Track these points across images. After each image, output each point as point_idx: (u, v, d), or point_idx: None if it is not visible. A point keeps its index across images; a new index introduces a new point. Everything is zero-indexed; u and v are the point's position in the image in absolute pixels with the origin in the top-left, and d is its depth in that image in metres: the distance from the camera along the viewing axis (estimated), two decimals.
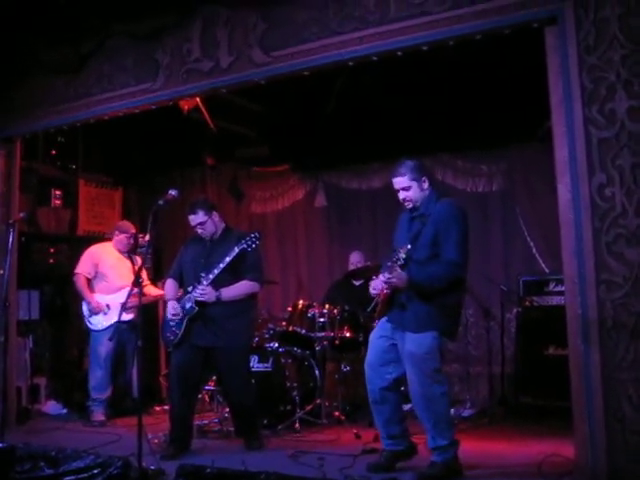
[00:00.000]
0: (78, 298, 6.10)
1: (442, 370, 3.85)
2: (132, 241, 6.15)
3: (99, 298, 5.97)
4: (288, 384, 5.43)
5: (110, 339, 5.39)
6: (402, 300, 3.85)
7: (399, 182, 3.92)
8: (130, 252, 6.18)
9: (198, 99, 5.91)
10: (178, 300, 4.65)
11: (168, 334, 4.66)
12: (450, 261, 3.76)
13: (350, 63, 4.36)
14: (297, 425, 5.26)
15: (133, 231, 6.16)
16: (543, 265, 6.34)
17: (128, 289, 5.87)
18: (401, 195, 3.95)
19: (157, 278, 6.81)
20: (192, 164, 7.99)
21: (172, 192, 4.30)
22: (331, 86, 5.92)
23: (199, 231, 4.70)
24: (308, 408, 5.44)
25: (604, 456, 3.42)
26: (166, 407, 6.14)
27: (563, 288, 3.81)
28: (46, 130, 5.99)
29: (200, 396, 5.81)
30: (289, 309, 6.06)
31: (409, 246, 3.71)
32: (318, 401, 5.53)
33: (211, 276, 4.49)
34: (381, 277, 3.80)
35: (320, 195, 7.56)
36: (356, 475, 3.84)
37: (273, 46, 4.51)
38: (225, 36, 4.70)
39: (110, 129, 6.41)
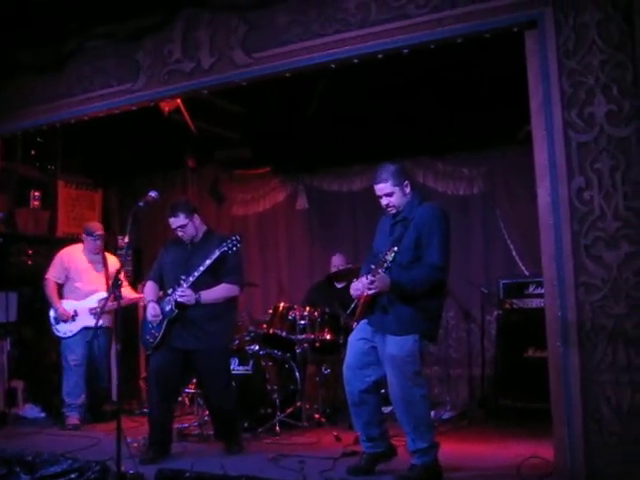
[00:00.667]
0: (47, 303, 5.98)
1: (422, 373, 3.85)
2: (100, 242, 6.00)
3: (68, 304, 5.86)
4: (268, 387, 5.41)
5: (87, 342, 5.34)
6: (384, 303, 3.85)
7: (382, 188, 3.91)
8: (101, 253, 6.02)
9: (179, 100, 5.89)
10: (158, 302, 4.61)
11: (147, 337, 4.61)
12: (432, 265, 3.76)
13: (331, 65, 4.36)
14: (277, 428, 5.24)
15: (100, 232, 6.00)
16: (523, 268, 6.38)
17: (98, 294, 5.86)
18: (384, 201, 3.94)
19: (137, 280, 6.77)
20: (173, 166, 7.95)
21: (152, 194, 4.26)
22: (313, 89, 5.92)
23: (179, 234, 4.65)
24: (288, 411, 5.42)
25: (583, 458, 3.44)
26: (145, 410, 6.13)
27: (543, 291, 3.83)
28: (25, 130, 5.92)
29: (180, 399, 5.81)
30: (270, 311, 6.03)
31: (396, 249, 3.70)
32: (298, 404, 5.51)
33: (191, 278, 4.45)
34: (363, 279, 3.80)
35: (301, 197, 7.55)
36: (336, 478, 3.84)
37: (255, 47, 4.51)
38: (207, 37, 4.69)
39: (90, 130, 6.35)
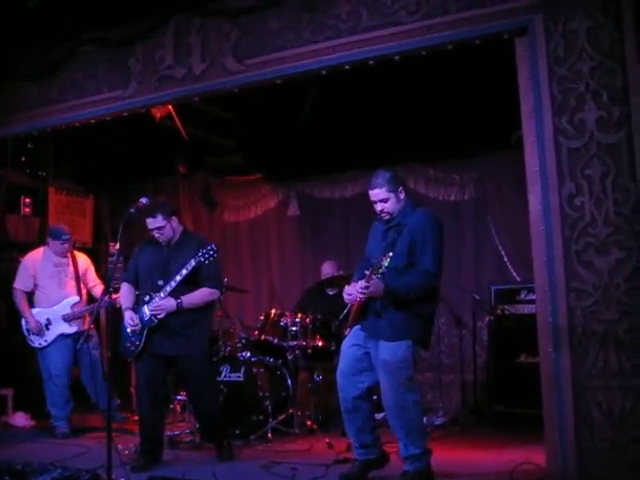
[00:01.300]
0: (19, 314, 5.82)
1: (415, 379, 3.85)
2: (68, 245, 5.83)
3: (39, 312, 5.71)
4: (260, 394, 5.39)
5: (77, 349, 5.27)
6: (377, 308, 3.85)
7: (376, 194, 3.91)
8: (69, 255, 5.87)
9: (170, 107, 5.88)
10: (135, 309, 4.53)
11: (128, 344, 4.54)
12: (426, 271, 3.77)
13: (323, 72, 4.37)
14: (269, 435, 5.23)
15: (67, 236, 5.83)
16: (514, 273, 6.40)
17: (69, 299, 5.70)
18: (378, 207, 3.94)
19: None
20: (164, 172, 7.93)
21: (143, 200, 4.25)
22: (304, 95, 5.92)
23: (156, 235, 4.55)
24: (280, 418, 5.41)
25: (575, 463, 3.45)
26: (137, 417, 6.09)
27: (534, 296, 3.84)
28: (16, 136, 5.90)
29: (172, 406, 5.77)
30: (261, 318, 6.02)
31: (391, 254, 3.69)
32: (290, 411, 5.50)
33: (168, 288, 4.38)
34: (357, 285, 3.80)
35: (293, 204, 7.55)
36: None
37: (246, 54, 4.51)
38: (198, 43, 4.69)
39: (82, 136, 6.34)
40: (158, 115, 6.03)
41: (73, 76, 5.23)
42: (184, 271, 4.34)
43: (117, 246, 4.37)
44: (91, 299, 6.00)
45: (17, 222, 7.17)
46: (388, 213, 3.93)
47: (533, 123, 3.67)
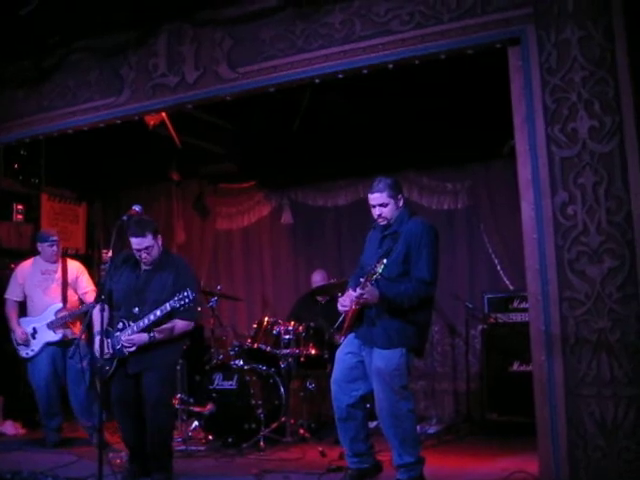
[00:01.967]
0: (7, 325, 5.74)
1: (409, 387, 3.84)
2: (56, 248, 5.72)
3: (26, 322, 5.64)
4: (253, 402, 5.37)
5: (69, 359, 5.21)
6: (371, 316, 3.85)
7: (377, 198, 3.92)
8: (58, 261, 5.76)
9: (164, 114, 5.88)
10: (107, 334, 4.29)
11: (100, 365, 4.22)
12: (421, 279, 3.77)
13: (316, 80, 4.37)
14: (262, 444, 5.20)
15: (55, 237, 5.73)
16: (507, 282, 6.41)
17: (54, 306, 5.59)
18: (377, 211, 3.95)
19: None
20: (158, 180, 7.93)
21: (136, 208, 4.23)
22: (298, 103, 5.94)
23: (143, 255, 4.26)
24: (273, 426, 5.39)
25: (567, 472, 3.44)
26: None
27: (527, 305, 3.85)
28: (8, 143, 5.88)
29: None
30: (254, 326, 6.01)
31: (385, 261, 3.69)
32: (283, 419, 5.48)
33: (141, 324, 4.16)
34: (352, 293, 3.79)
35: (286, 212, 7.55)
36: None
37: (239, 62, 4.51)
38: (191, 51, 4.69)
39: (74, 144, 6.33)
40: (151, 123, 6.02)
41: (65, 84, 5.21)
42: (158, 312, 4.12)
43: (110, 253, 4.31)
44: None
45: (9, 229, 7.14)
46: (385, 218, 3.94)
47: (526, 132, 3.68)
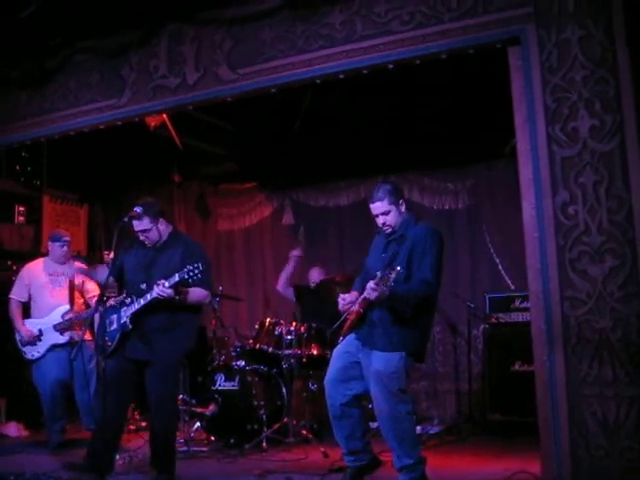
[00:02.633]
0: (12, 324, 5.71)
1: (407, 389, 3.83)
2: (67, 249, 5.74)
3: (32, 323, 5.62)
4: (255, 403, 5.38)
5: (70, 361, 5.20)
6: (373, 319, 3.84)
7: (378, 207, 3.92)
8: (67, 262, 5.77)
9: (165, 116, 5.88)
10: (114, 308, 4.29)
11: (101, 342, 4.30)
12: (424, 280, 3.75)
13: (317, 81, 4.37)
14: (264, 444, 5.21)
15: (67, 238, 5.76)
16: (509, 281, 6.41)
17: (60, 308, 5.57)
18: (380, 220, 3.95)
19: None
20: (159, 181, 7.93)
21: (137, 209, 4.24)
22: (299, 104, 5.94)
23: (141, 237, 4.33)
24: (275, 427, 5.39)
25: (570, 472, 3.43)
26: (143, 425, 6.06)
27: (528, 304, 3.84)
28: (9, 145, 5.88)
29: None
30: (256, 327, 6.02)
31: (399, 268, 3.64)
32: (285, 419, 5.48)
33: (149, 297, 4.11)
34: (354, 294, 3.76)
35: (287, 213, 7.56)
36: None
37: (240, 63, 4.51)
38: (192, 53, 4.69)
39: (76, 145, 6.33)
40: (152, 124, 6.03)
41: (66, 85, 5.22)
42: (166, 283, 4.04)
43: (111, 255, 4.30)
44: None
45: (11, 231, 7.15)
46: (390, 226, 3.93)
47: (527, 132, 3.67)
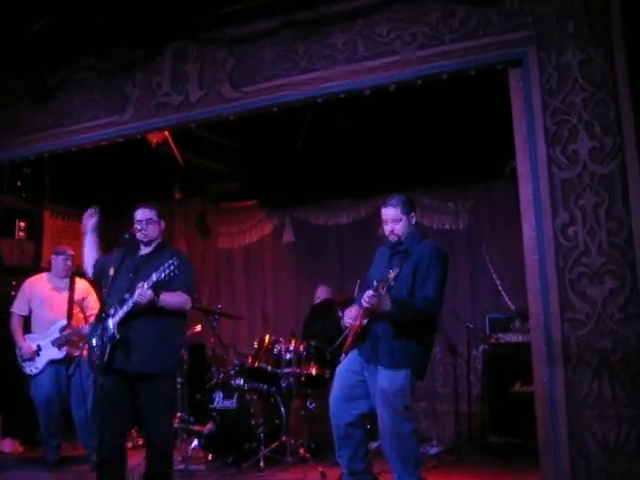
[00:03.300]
0: (9, 338, 5.68)
1: (412, 408, 3.82)
2: (70, 263, 5.75)
3: (31, 338, 5.60)
4: (253, 421, 5.35)
5: (68, 376, 5.18)
6: (377, 333, 3.82)
7: (390, 214, 3.93)
8: (69, 277, 5.76)
9: (167, 133, 5.91)
10: (98, 321, 4.20)
11: (94, 358, 4.17)
12: (427, 298, 3.76)
13: (319, 100, 4.40)
14: (262, 463, 5.17)
15: (70, 253, 5.76)
16: (509, 302, 6.39)
17: (59, 323, 5.55)
18: (389, 227, 3.95)
19: None
20: (160, 198, 7.88)
21: (138, 226, 4.25)
22: (301, 123, 5.97)
23: (139, 228, 4.28)
24: (273, 446, 5.36)
25: None
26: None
27: (528, 325, 3.84)
28: (13, 161, 5.89)
29: None
30: (255, 345, 6.00)
31: (398, 269, 3.68)
32: (283, 438, 5.45)
33: (130, 303, 4.04)
34: (357, 308, 3.74)
35: (288, 231, 7.57)
36: None
37: (243, 82, 4.54)
38: (195, 71, 4.73)
39: (78, 161, 6.35)
40: (154, 141, 6.05)
41: (70, 101, 5.25)
42: (145, 285, 4.00)
43: (112, 271, 4.29)
44: None
45: (11, 246, 7.15)
46: (397, 235, 3.94)
47: (527, 153, 3.70)
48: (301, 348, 5.75)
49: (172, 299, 4.12)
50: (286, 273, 7.61)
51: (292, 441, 5.50)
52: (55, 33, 4.91)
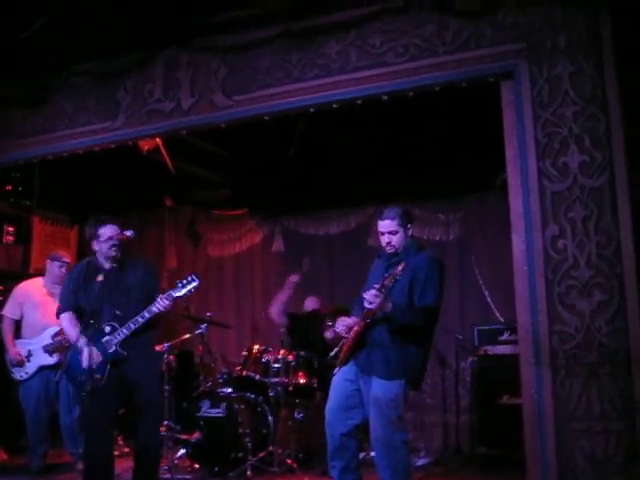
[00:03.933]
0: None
1: (404, 418, 3.81)
2: (65, 270, 5.61)
3: (22, 343, 5.54)
4: (240, 430, 5.31)
5: (56, 383, 5.13)
6: (373, 337, 3.80)
7: (387, 225, 3.93)
8: (61, 282, 5.53)
9: (158, 140, 5.90)
10: (90, 341, 4.09)
11: (84, 377, 4.03)
12: (424, 307, 3.75)
13: (311, 110, 4.41)
14: (248, 473, 5.14)
15: (67, 259, 5.72)
16: (497, 314, 6.39)
17: (51, 329, 5.45)
18: (385, 239, 3.95)
19: None
20: (150, 205, 7.92)
21: (128, 233, 4.23)
22: (292, 131, 5.97)
23: (113, 246, 4.25)
24: (260, 455, 5.32)
25: None
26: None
27: (517, 337, 3.84)
28: (2, 165, 5.85)
29: None
30: (243, 353, 5.97)
31: (400, 268, 3.67)
32: (270, 448, 5.41)
33: (140, 319, 4.10)
34: (368, 293, 3.71)
35: (278, 240, 7.56)
36: None
37: (235, 90, 4.54)
38: (187, 78, 4.73)
39: (68, 167, 6.32)
40: (145, 148, 6.03)
41: (62, 107, 5.23)
42: (146, 314, 4.09)
43: (101, 277, 4.25)
44: None
45: None
46: (393, 247, 3.93)
47: (518, 166, 3.72)
48: (290, 358, 5.72)
49: None
50: (276, 282, 7.58)
51: (279, 451, 5.47)
52: (50, 37, 4.90)
